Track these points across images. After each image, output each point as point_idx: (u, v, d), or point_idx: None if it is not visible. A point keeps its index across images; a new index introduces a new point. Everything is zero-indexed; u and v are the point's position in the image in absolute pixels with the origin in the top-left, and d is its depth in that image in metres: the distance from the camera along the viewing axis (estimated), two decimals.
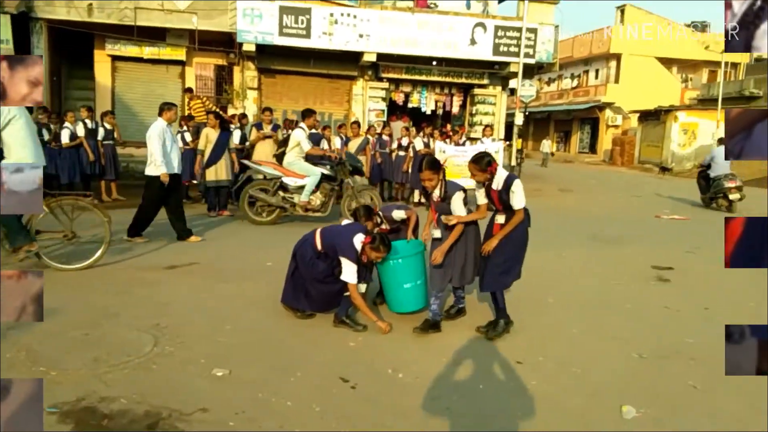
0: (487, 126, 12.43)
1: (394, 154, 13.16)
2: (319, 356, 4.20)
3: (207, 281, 5.91)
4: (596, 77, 39.35)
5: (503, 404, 3.63)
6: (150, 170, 7.56)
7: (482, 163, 4.46)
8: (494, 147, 11.76)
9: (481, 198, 4.63)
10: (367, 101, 16.65)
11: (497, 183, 4.49)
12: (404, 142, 13.11)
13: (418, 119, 16.63)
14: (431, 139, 12.50)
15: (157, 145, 7.42)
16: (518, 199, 4.45)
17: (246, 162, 9.82)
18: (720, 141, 15.18)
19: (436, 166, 4.56)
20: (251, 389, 3.63)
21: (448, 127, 12.65)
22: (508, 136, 18.27)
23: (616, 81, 36.95)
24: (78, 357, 3.96)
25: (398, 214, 5.22)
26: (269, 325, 4.78)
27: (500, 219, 4.57)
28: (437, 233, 4.69)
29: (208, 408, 3.37)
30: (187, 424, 3.19)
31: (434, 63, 16.27)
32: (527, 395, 3.77)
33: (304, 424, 3.27)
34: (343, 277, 4.59)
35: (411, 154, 12.69)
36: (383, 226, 5.23)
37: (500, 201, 4.51)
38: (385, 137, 13.28)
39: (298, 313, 4.91)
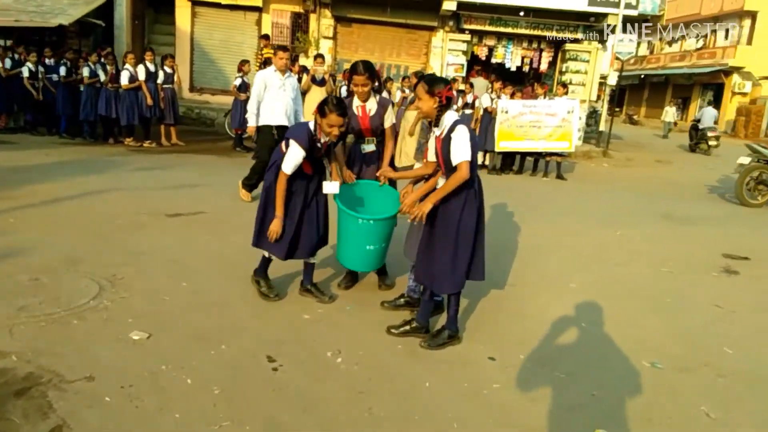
0: (561, 83, 11.14)
1: (458, 112, 12.26)
2: (258, 328, 3.71)
3: (196, 233, 5.56)
4: (726, 38, 35.16)
5: (441, 411, 2.96)
6: (256, 121, 6.92)
7: (433, 85, 3.35)
8: (567, 106, 10.51)
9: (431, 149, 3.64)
10: (446, 54, 15.65)
11: (442, 127, 3.43)
12: (469, 98, 12.15)
13: (504, 77, 15.44)
14: (498, 97, 11.43)
15: (252, 94, 6.85)
16: (458, 148, 3.30)
17: (754, 146, 9.86)
18: (709, 103, 20.21)
19: (373, 71, 3.99)
20: (159, 359, 3.21)
21: (499, 87, 11.38)
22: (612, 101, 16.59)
23: (749, 42, 32.77)
24: (7, 304, 3.71)
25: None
26: (226, 286, 4.32)
27: (442, 184, 3.50)
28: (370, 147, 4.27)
29: (96, 377, 2.99)
30: (59, 393, 2.82)
31: (521, 14, 14.91)
32: (477, 402, 3.07)
33: (188, 408, 2.79)
34: (283, 165, 3.75)
35: (481, 112, 11.68)
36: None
37: (443, 156, 3.42)
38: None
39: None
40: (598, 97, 16.85)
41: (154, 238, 5.31)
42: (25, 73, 11.04)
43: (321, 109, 3.70)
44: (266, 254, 4.09)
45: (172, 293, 4.12)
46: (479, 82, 14.42)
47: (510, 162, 11.78)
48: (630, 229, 7.24)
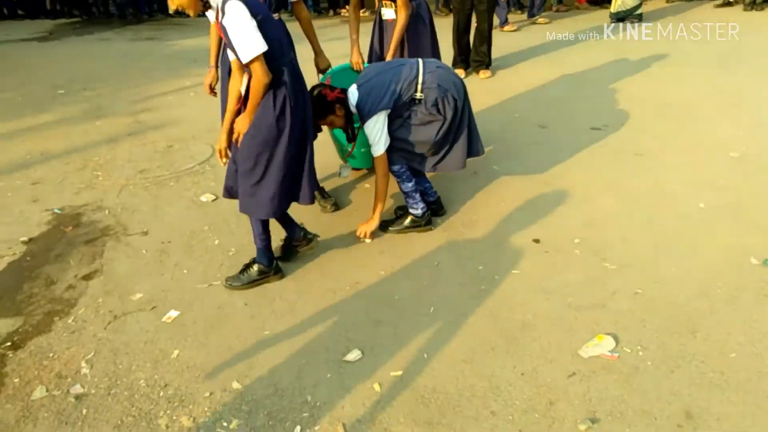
0: None
1: None
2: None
3: None
4: None
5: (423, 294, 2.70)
6: None
7: None
8: None
9: None
10: None
11: (215, 5, 2.38)
12: None
13: None
14: None
15: None
16: (238, 41, 2.29)
17: None
18: None
19: None
20: (207, 220, 3.52)
21: None
22: None
23: None
24: (133, 167, 4.37)
25: None
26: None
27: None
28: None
29: (150, 232, 3.42)
30: (115, 243, 3.32)
31: None
32: (469, 300, 2.70)
33: (198, 266, 3.04)
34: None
35: None
36: None
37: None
38: None
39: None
40: None
41: None
42: None
43: None
44: None
45: None
46: None
47: None
48: None
